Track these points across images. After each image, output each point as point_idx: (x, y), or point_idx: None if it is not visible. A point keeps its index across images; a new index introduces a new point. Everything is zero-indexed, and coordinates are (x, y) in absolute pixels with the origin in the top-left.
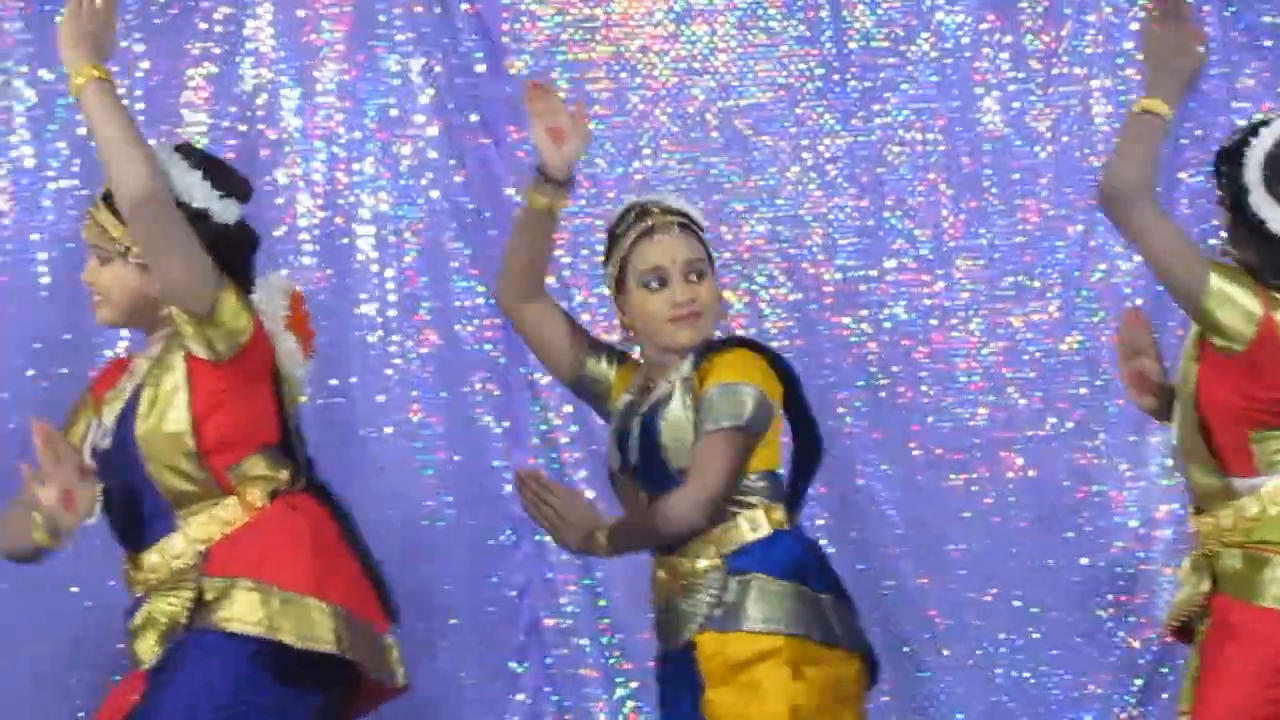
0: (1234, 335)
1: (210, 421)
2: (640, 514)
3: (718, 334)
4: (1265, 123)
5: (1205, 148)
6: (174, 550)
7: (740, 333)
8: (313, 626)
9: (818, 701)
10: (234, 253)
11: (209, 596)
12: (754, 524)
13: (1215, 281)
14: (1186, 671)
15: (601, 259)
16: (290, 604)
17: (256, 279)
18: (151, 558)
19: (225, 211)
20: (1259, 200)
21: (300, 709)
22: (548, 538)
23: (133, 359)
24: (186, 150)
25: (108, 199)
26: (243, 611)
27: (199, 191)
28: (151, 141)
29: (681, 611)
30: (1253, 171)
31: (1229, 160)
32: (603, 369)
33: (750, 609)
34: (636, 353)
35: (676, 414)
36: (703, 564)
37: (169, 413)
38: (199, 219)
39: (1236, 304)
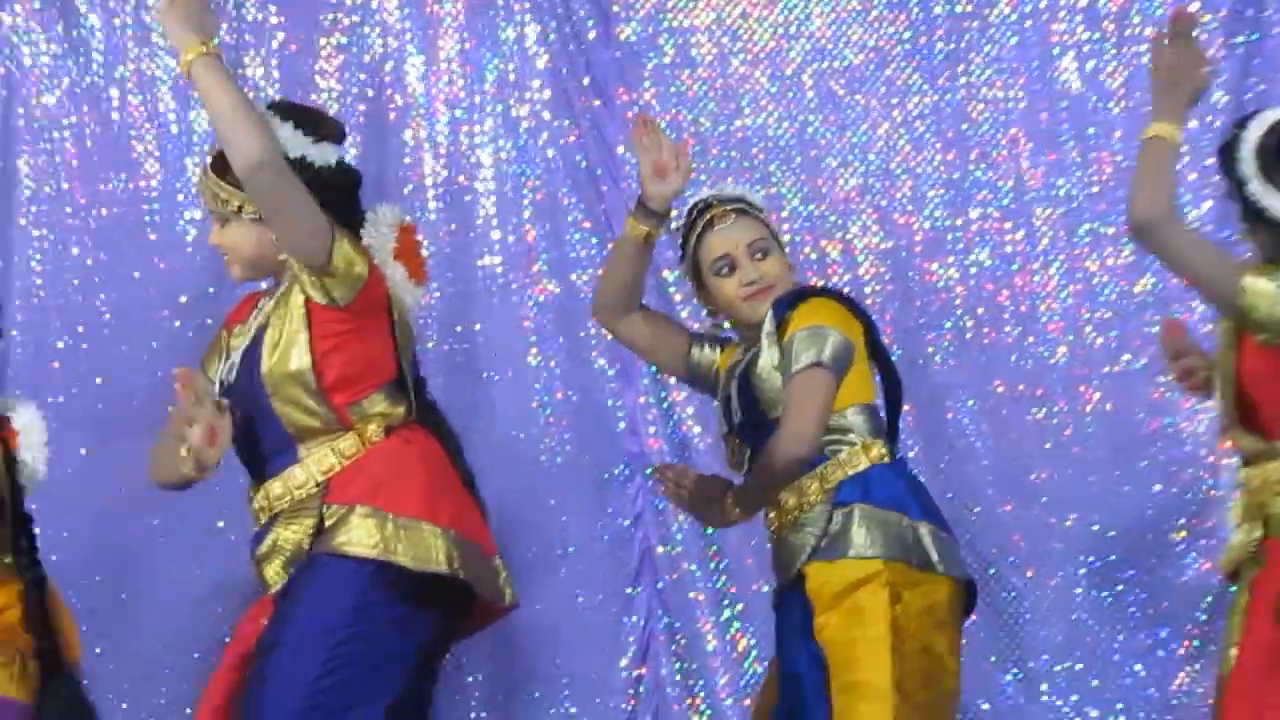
0: (1273, 328)
1: (331, 361)
2: (754, 470)
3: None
4: (1253, 116)
5: None
6: (296, 481)
7: (835, 279)
8: (426, 549)
9: (915, 624)
10: (338, 193)
11: (328, 523)
12: (853, 460)
13: (1248, 282)
14: (1235, 609)
15: (680, 261)
16: (404, 528)
17: (366, 214)
18: (275, 487)
19: (323, 155)
20: (1257, 190)
21: (419, 626)
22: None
23: (260, 297)
24: (276, 106)
25: (214, 165)
26: (360, 536)
27: (293, 141)
28: None
29: (791, 546)
30: (1247, 163)
31: (1226, 155)
32: (707, 355)
33: (853, 537)
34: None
35: (767, 366)
36: (808, 500)
37: (291, 352)
38: (299, 167)
39: (1269, 297)
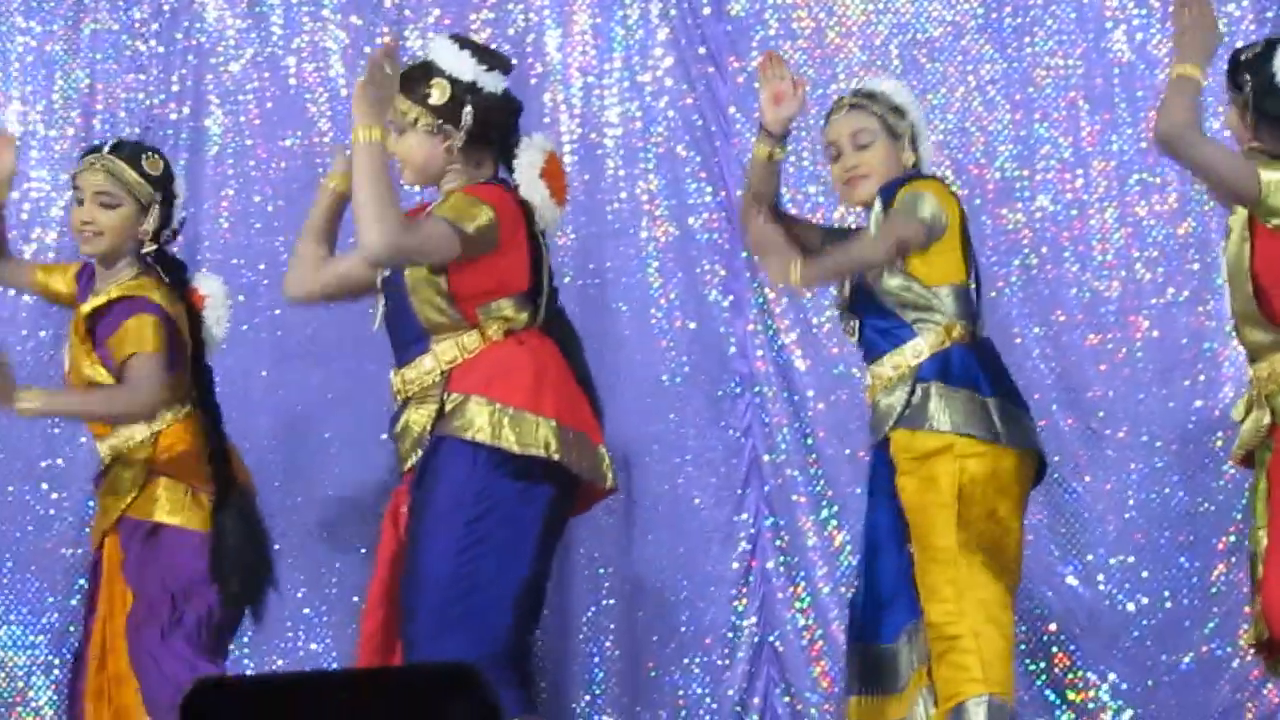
0: None
1: (463, 270)
2: (828, 252)
3: None
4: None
5: None
6: (424, 368)
7: None
8: (531, 435)
9: (980, 490)
10: (501, 115)
11: (448, 408)
12: (938, 339)
13: (1266, 175)
14: (1255, 494)
15: None
16: (511, 416)
17: (522, 138)
18: (408, 373)
19: (492, 82)
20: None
21: (532, 500)
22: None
23: (428, 206)
24: (455, 38)
25: (401, 84)
26: (477, 422)
27: (467, 66)
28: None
29: (880, 410)
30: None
31: (1253, 69)
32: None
33: (930, 411)
34: None
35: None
36: (894, 373)
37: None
38: (471, 90)
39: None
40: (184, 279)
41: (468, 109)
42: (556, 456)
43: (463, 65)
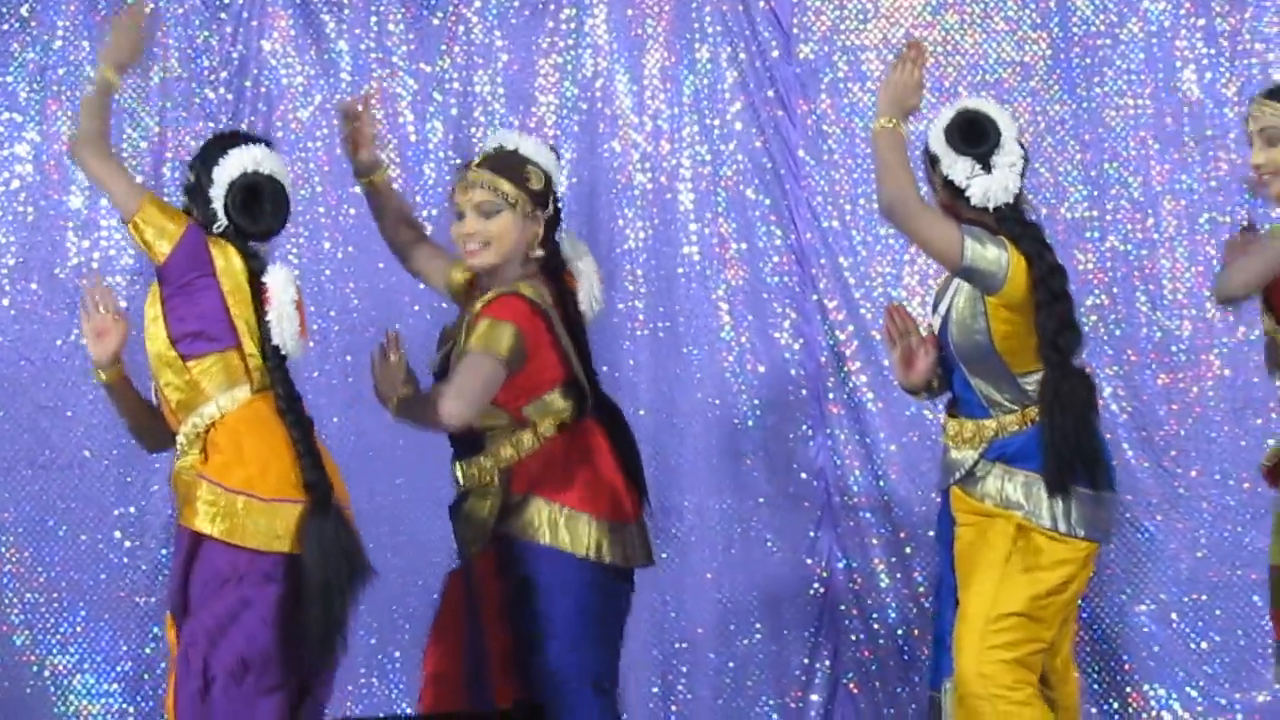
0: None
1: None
2: None
3: None
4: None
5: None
6: (482, 467)
7: None
8: (582, 535)
9: (1029, 561)
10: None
11: (511, 503)
12: (1011, 424)
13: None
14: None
15: None
16: (568, 516)
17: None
18: (470, 469)
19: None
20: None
21: (613, 593)
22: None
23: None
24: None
25: (492, 163)
26: (532, 521)
27: (549, 160)
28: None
29: (950, 462)
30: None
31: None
32: None
33: (988, 486)
34: None
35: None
36: (970, 440)
37: None
38: (551, 182)
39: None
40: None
41: (553, 198)
42: (604, 558)
43: (547, 158)
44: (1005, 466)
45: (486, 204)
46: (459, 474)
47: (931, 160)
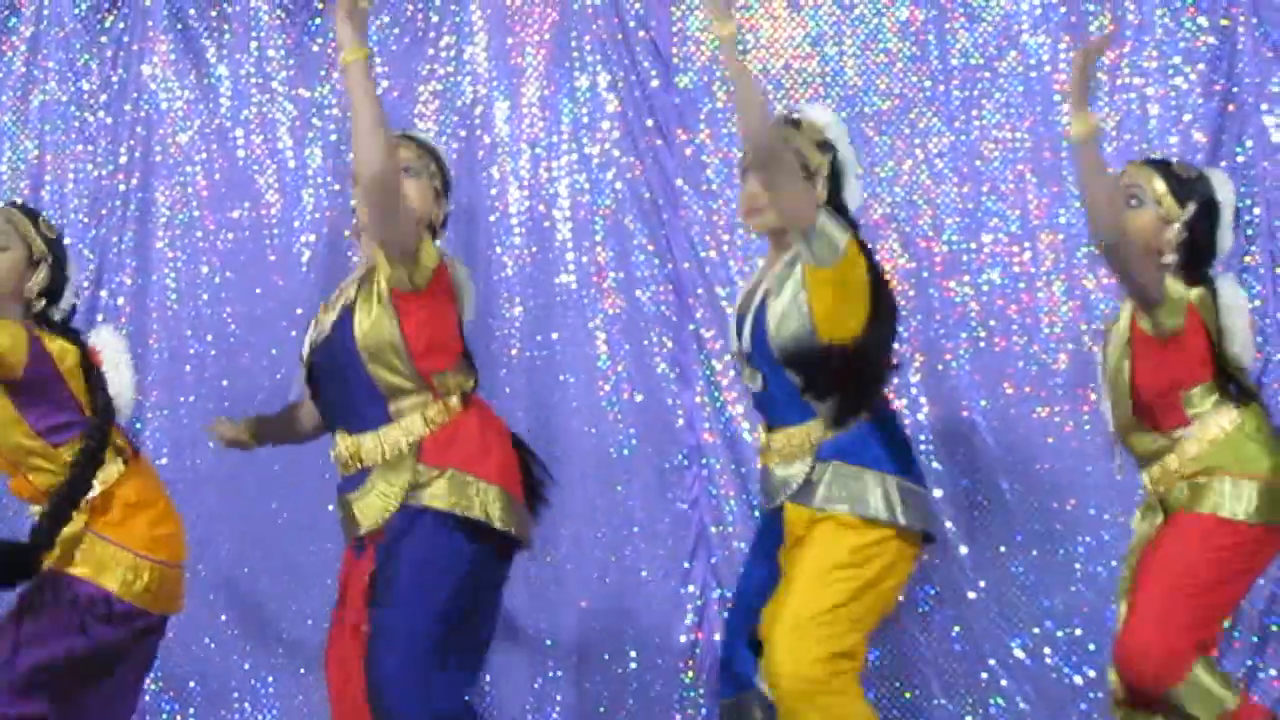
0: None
1: (417, 333)
2: None
3: None
4: None
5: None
6: (390, 438)
7: None
8: (484, 505)
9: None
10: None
11: (422, 480)
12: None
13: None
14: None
15: None
16: (485, 490)
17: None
18: (368, 441)
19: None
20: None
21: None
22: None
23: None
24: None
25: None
26: (449, 494)
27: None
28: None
29: (777, 481)
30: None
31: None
32: None
33: (819, 490)
34: None
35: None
36: (798, 448)
37: (383, 322)
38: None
39: None
40: (77, 335)
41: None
42: (509, 529)
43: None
44: (839, 464)
45: None
46: (353, 448)
47: (822, 146)
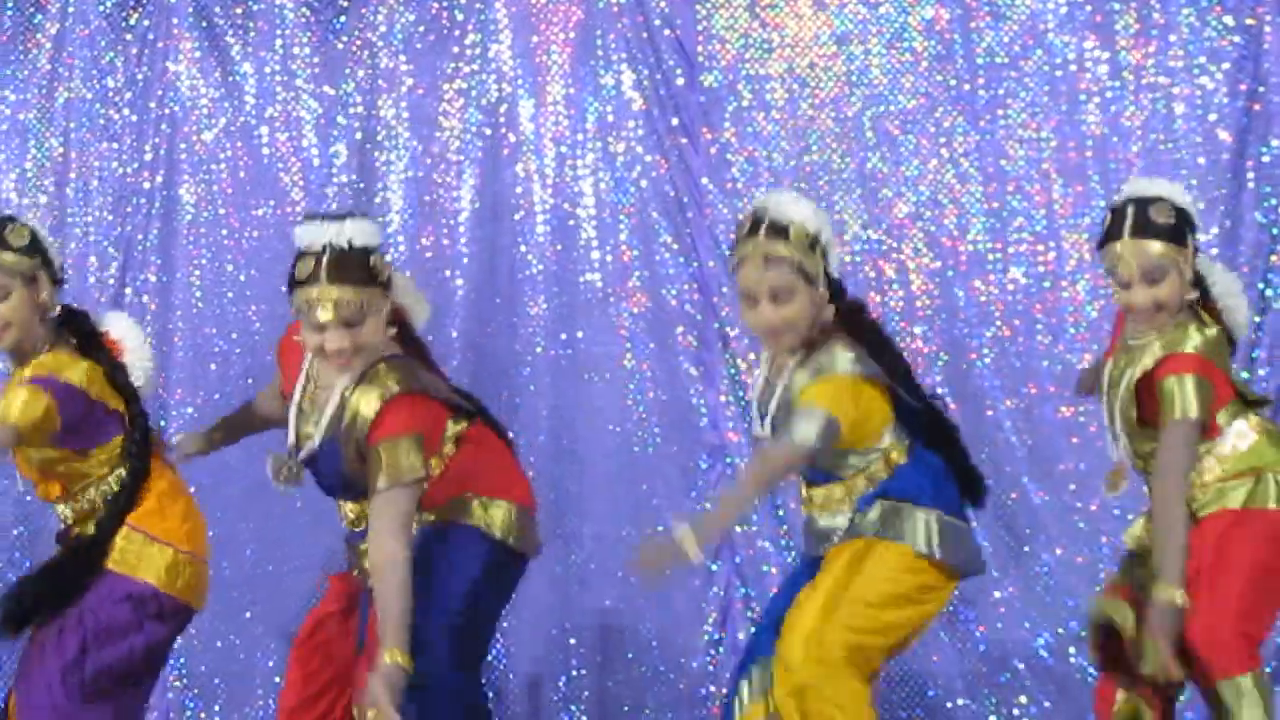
0: None
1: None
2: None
3: None
4: None
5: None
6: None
7: (890, 296)
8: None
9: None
10: None
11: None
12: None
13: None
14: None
15: None
16: (498, 506)
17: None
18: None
19: None
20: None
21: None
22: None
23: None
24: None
25: None
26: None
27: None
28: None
29: (819, 529)
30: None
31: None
32: None
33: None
34: None
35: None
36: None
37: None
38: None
39: None
40: (94, 330)
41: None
42: (516, 544)
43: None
44: (883, 500)
45: None
46: (358, 512)
47: (813, 243)
